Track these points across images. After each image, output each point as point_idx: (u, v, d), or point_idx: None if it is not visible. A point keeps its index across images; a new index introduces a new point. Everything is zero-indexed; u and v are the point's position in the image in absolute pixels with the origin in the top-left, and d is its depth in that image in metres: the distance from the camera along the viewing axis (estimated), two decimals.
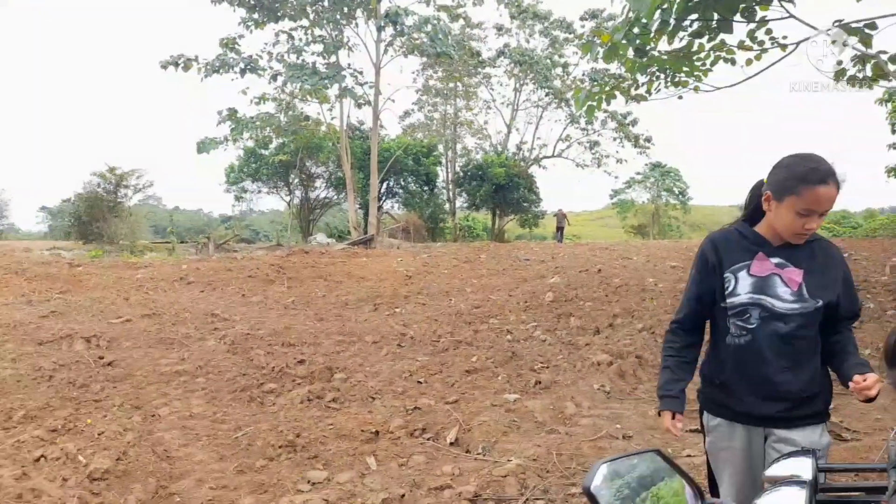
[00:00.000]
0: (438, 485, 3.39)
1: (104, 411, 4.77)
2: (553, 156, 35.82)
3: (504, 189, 30.59)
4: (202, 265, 13.56)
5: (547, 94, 33.18)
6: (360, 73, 22.39)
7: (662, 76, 8.29)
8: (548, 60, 31.51)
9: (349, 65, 22.16)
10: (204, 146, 21.59)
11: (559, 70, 32.38)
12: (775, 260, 1.83)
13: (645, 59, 7.71)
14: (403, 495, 3.28)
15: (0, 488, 3.42)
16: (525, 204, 32.59)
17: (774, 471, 1.26)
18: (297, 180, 30.89)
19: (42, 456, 3.89)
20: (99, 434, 4.26)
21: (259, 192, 32.23)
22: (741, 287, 1.85)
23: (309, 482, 3.51)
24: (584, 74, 30.79)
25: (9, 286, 10.91)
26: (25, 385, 5.48)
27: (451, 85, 31.48)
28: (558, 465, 3.64)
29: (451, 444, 4.08)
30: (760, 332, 1.82)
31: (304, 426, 4.37)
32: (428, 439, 4.17)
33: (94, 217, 21.29)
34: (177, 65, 19.32)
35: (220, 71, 19.84)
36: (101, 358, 6.28)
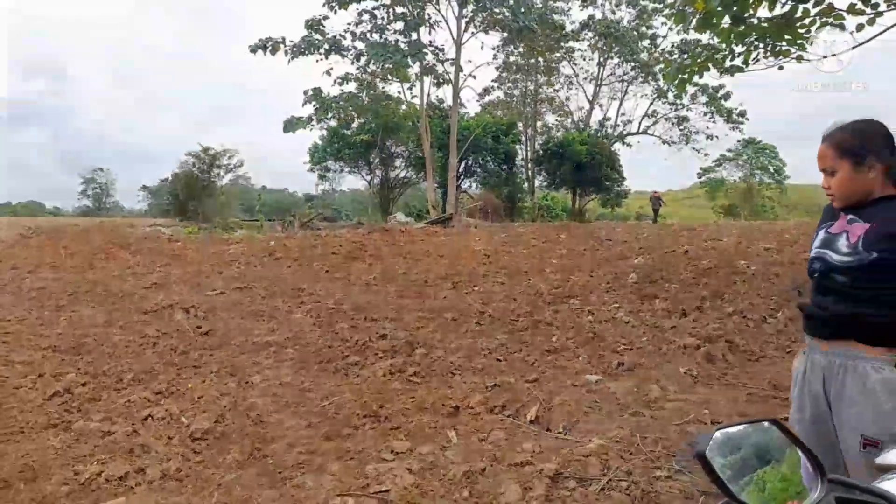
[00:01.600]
0: (519, 461, 3.40)
1: (203, 377, 5.09)
2: (638, 132, 34.68)
3: (585, 167, 29.86)
4: (289, 242, 14.09)
5: (633, 68, 32.01)
6: (441, 49, 22.36)
7: (761, 45, 7.78)
8: (634, 32, 30.31)
9: (430, 42, 22.19)
10: (290, 125, 22.31)
11: (646, 42, 31.10)
12: (849, 216, 1.83)
13: (742, 28, 7.27)
14: (484, 469, 3.31)
15: (115, 442, 3.73)
16: (607, 183, 31.71)
17: (888, 458, 1.17)
18: (377, 160, 31.42)
19: (149, 415, 4.21)
20: (198, 398, 4.55)
21: (341, 171, 33.05)
22: (815, 243, 1.91)
23: (392, 452, 3.60)
24: (672, 46, 29.40)
25: (116, 259, 11.78)
26: (133, 350, 5.92)
27: (533, 60, 30.88)
28: (642, 447, 3.56)
29: (532, 421, 4.08)
30: (821, 286, 1.87)
31: (386, 398, 4.49)
32: (508, 416, 4.19)
33: (190, 195, 22.61)
34: (265, 48, 19.98)
35: (306, 52, 20.34)
36: (199, 327, 6.69)
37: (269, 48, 20.01)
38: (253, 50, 20.01)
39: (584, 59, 33.78)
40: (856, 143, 1.80)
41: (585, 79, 34.85)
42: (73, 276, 9.71)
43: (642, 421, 4.01)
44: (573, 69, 34.44)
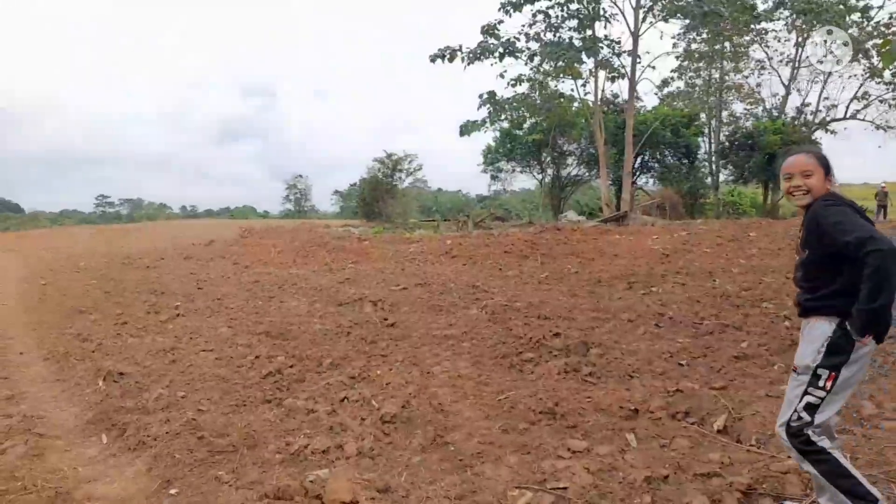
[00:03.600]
0: (705, 471, 3.22)
1: (389, 365, 5.50)
2: (845, 118, 30.55)
3: (779, 159, 26.96)
4: (463, 241, 14.60)
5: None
6: (617, 42, 21.61)
7: None
8: (841, 6, 26.75)
9: (605, 36, 21.54)
10: (466, 129, 23.02)
11: (856, 16, 27.25)
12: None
13: None
14: (667, 477, 3.19)
15: (318, 420, 4.19)
16: None
17: None
18: (548, 158, 31.29)
19: (345, 397, 4.65)
20: (387, 384, 4.93)
21: (513, 171, 33.43)
22: None
23: (569, 450, 3.61)
24: (891, 18, 25.53)
25: (315, 257, 13.12)
26: (330, 338, 6.56)
27: (718, 46, 28.58)
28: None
29: (719, 431, 3.83)
30: None
31: (562, 396, 4.50)
32: (692, 423, 3.97)
33: (375, 198, 24.42)
34: (443, 57, 20.86)
35: (481, 57, 20.87)
36: (385, 319, 7.22)
37: (447, 56, 20.85)
38: (433, 59, 20.98)
39: (779, 41, 30.51)
40: (827, 160, 2.63)
41: (780, 62, 31.49)
42: (280, 270, 10.99)
43: (852, 440, 3.58)
44: (766, 52, 31.30)
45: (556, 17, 21.19)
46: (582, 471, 3.27)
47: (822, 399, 2.44)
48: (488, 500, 3.08)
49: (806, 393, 2.47)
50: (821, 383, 2.43)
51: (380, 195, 24.19)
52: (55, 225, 48.83)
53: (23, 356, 6.41)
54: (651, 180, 31.31)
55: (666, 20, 21.70)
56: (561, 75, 22.59)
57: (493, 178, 34.07)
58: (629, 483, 3.16)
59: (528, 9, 20.95)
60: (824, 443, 2.46)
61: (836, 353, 2.41)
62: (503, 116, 23.72)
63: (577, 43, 20.85)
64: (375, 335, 6.53)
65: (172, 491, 3.27)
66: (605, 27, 21.72)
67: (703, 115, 31.96)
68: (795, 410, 2.49)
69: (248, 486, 3.25)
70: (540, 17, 21.23)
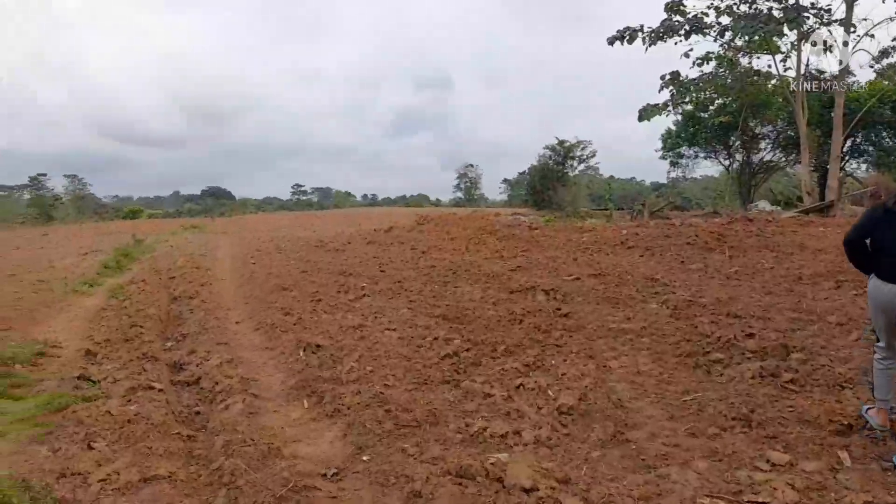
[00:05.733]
0: None
1: (564, 356, 5.43)
2: None
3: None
4: (640, 231, 13.92)
5: None
6: (827, 10, 19.00)
7: None
8: None
9: (812, 4, 19.05)
10: (646, 113, 21.75)
11: None
12: None
13: None
14: None
15: (495, 404, 4.26)
16: None
17: None
18: (738, 143, 28.61)
19: (521, 384, 4.68)
20: (562, 374, 4.87)
21: (695, 157, 31.11)
22: None
23: (768, 462, 3.29)
24: None
25: (486, 244, 13.34)
26: (503, 325, 6.64)
27: None
28: None
29: None
30: None
31: (757, 403, 4.11)
32: None
33: (545, 186, 24.19)
34: (622, 38, 19.85)
35: (664, 37, 19.53)
36: (559, 309, 7.12)
37: (627, 37, 19.83)
38: (611, 42, 20.06)
39: None
40: None
41: None
42: (454, 257, 11.35)
43: None
44: None
45: None
46: (785, 486, 2.96)
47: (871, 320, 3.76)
48: None
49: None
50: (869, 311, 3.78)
51: (550, 183, 23.93)
52: (259, 211, 55.26)
53: (238, 325, 7.33)
54: (864, 166, 27.32)
55: None
56: (756, 51, 20.44)
57: (673, 164, 31.94)
58: None
59: None
60: (877, 353, 3.69)
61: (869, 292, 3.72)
62: (687, 98, 22.06)
63: (776, 14, 18.68)
64: (549, 324, 6.48)
65: (365, 457, 3.53)
66: None
67: None
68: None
69: (432, 461, 3.39)
70: None
